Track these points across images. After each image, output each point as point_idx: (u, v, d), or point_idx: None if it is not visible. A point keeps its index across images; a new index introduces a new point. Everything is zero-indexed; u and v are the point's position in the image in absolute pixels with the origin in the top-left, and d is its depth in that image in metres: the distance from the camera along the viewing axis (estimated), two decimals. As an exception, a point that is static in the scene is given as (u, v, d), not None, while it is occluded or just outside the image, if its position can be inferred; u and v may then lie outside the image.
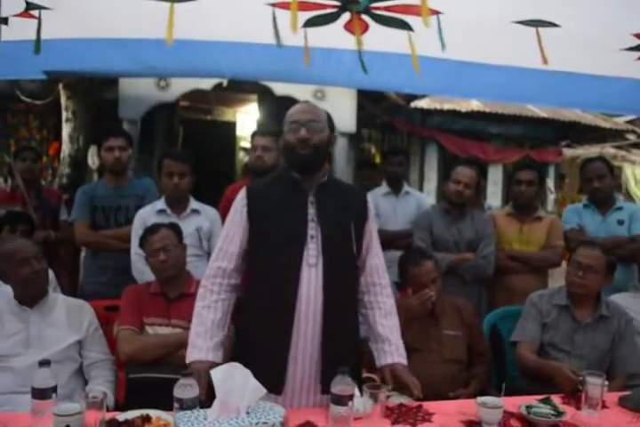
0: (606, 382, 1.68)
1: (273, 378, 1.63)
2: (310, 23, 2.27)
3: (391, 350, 1.72)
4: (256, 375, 1.53)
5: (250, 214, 1.71)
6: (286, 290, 1.64)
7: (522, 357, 2.18)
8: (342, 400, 1.43)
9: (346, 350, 1.70)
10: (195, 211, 2.74)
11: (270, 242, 1.68)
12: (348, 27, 2.31)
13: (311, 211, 1.69)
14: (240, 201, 1.75)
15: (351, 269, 1.75)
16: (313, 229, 1.67)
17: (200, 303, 1.73)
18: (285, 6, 2.01)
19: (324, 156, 1.74)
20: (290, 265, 1.65)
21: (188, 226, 2.63)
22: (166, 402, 1.51)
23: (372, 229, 1.80)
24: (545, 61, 2.15)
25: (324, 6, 2.12)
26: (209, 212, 2.77)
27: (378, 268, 1.80)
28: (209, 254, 2.71)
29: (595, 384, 1.64)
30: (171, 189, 2.69)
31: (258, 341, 1.69)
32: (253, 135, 3.02)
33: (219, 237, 2.68)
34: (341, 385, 1.45)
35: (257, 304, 1.71)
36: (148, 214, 2.70)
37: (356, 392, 1.52)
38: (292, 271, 1.64)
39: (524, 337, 2.24)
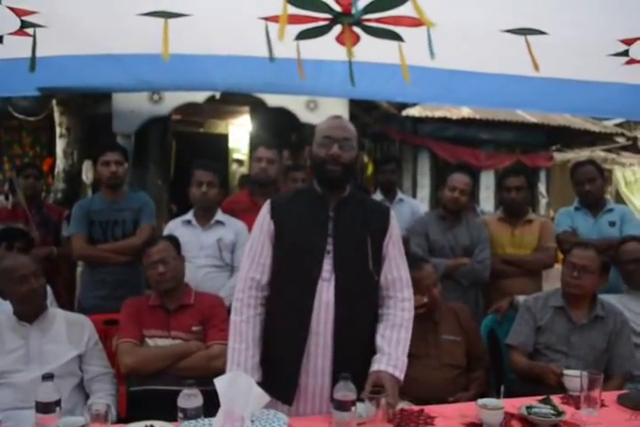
0: (585, 373, 1.71)
1: (285, 389, 1.66)
2: (302, 36, 2.31)
3: (382, 359, 1.66)
4: (268, 386, 1.55)
5: (276, 227, 1.72)
6: (301, 304, 1.66)
7: (514, 361, 2.22)
8: (345, 406, 1.44)
9: (358, 363, 1.69)
10: (219, 222, 2.76)
11: (288, 256, 1.70)
12: (340, 39, 2.35)
13: (330, 226, 1.70)
14: (266, 214, 1.75)
15: (366, 285, 1.73)
16: (330, 245, 1.68)
17: (238, 317, 1.70)
18: (277, 20, 2.04)
19: (351, 174, 1.74)
20: (306, 280, 1.66)
21: (210, 237, 2.68)
22: (167, 414, 1.51)
23: (392, 243, 1.76)
24: (536, 68, 2.19)
25: (315, 19, 2.16)
26: (235, 224, 2.78)
27: (395, 281, 1.76)
28: (230, 266, 2.72)
29: (578, 377, 1.71)
30: (198, 198, 2.73)
31: (271, 352, 1.70)
32: (256, 147, 3.03)
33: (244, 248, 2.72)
34: (344, 391, 1.46)
35: (271, 316, 1.72)
36: (176, 226, 2.77)
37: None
38: (307, 286, 1.66)
39: (517, 341, 2.27)
